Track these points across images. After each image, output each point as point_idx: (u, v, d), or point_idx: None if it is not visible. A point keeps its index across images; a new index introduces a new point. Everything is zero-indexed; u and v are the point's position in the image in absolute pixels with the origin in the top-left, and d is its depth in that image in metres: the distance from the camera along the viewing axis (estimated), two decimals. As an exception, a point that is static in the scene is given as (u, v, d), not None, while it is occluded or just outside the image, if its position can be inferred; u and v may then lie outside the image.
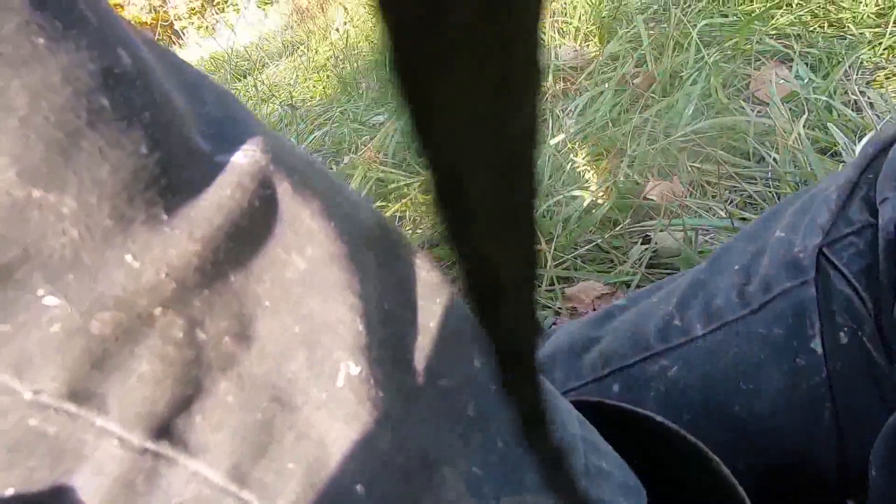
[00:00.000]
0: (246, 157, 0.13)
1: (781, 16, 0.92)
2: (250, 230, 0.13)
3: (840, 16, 0.88)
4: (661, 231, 0.57)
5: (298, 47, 2.02)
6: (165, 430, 0.12)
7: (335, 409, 0.13)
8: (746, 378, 0.25)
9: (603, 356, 0.30)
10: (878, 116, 0.63)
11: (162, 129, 0.12)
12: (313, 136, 1.11)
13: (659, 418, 0.23)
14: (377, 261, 0.15)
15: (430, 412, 0.15)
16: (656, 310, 0.29)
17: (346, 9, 1.71)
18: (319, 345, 0.13)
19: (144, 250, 0.12)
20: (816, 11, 0.90)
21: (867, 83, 0.75)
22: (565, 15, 1.21)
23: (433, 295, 0.16)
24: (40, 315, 0.11)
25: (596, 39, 1.11)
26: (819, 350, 0.24)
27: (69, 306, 0.11)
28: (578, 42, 1.12)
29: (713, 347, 0.26)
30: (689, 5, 1.01)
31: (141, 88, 0.12)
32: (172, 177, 0.12)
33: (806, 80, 0.75)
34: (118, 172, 0.11)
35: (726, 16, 1.00)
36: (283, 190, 0.14)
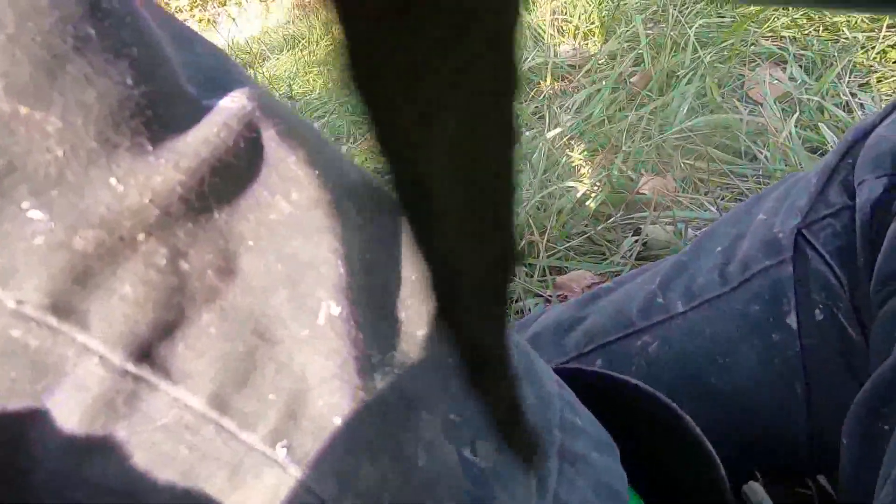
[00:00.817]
0: (233, 102, 0.14)
1: (777, 18, 0.93)
2: (236, 169, 0.13)
3: (835, 19, 0.89)
4: (651, 224, 0.58)
5: (300, 41, 2.03)
6: (147, 354, 0.12)
7: (316, 345, 0.13)
8: (724, 353, 0.26)
9: (587, 334, 0.30)
10: (864, 115, 0.64)
11: (149, 65, 0.12)
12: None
13: (633, 381, 0.24)
14: (361, 213, 0.15)
15: (408, 357, 0.15)
16: (640, 290, 0.30)
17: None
18: (302, 283, 0.13)
19: (128, 175, 0.12)
20: (812, 15, 0.91)
21: (859, 85, 0.76)
22: (565, 14, 1.22)
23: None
24: (24, 227, 0.11)
25: (595, 38, 1.11)
26: (794, 326, 0.24)
27: (53, 221, 0.11)
28: (577, 40, 1.13)
29: (692, 324, 0.27)
30: (687, 6, 1.02)
31: (129, 26, 0.12)
32: (158, 111, 0.12)
33: (799, 82, 0.76)
34: (104, 99, 0.12)
35: (723, 16, 1.01)
36: (269, 136, 0.14)
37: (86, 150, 0.11)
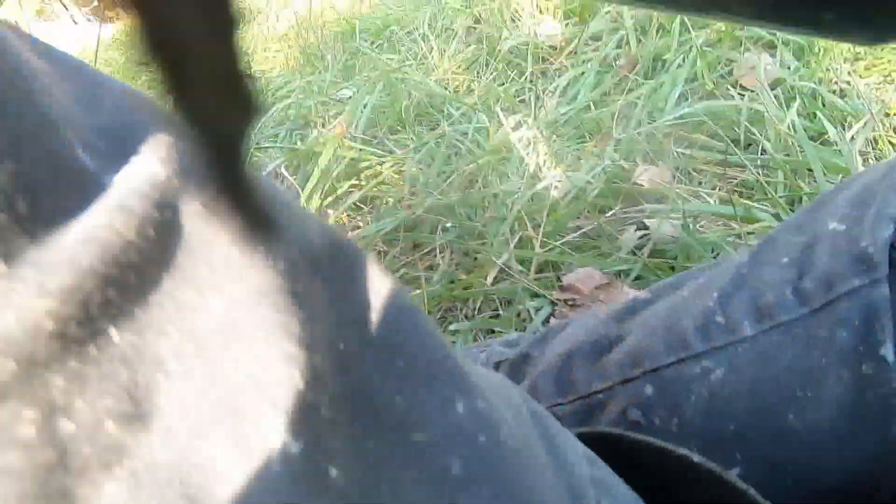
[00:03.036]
0: (138, 174, 0.10)
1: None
2: (142, 269, 0.10)
3: (821, 4, 0.88)
4: (657, 218, 0.54)
5: (256, 15, 1.90)
6: None
7: (269, 501, 0.10)
8: (804, 385, 0.22)
9: (631, 355, 0.26)
10: (864, 105, 0.63)
11: (14, 150, 0.09)
12: (275, 108, 1.04)
13: (696, 457, 0.20)
14: (329, 291, 0.12)
15: (404, 478, 0.12)
16: (690, 304, 0.26)
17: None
18: (245, 415, 0.10)
19: None
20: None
21: (850, 72, 0.75)
22: (544, -8, 1.17)
23: (400, 323, 0.13)
24: None
25: (576, 18, 1.07)
26: (891, 358, 0.21)
27: None
28: (558, 19, 1.09)
29: (765, 350, 0.23)
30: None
31: None
32: (18, 209, 0.09)
33: (792, 68, 0.74)
34: None
35: None
36: (194, 211, 0.10)
37: None
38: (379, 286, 0.13)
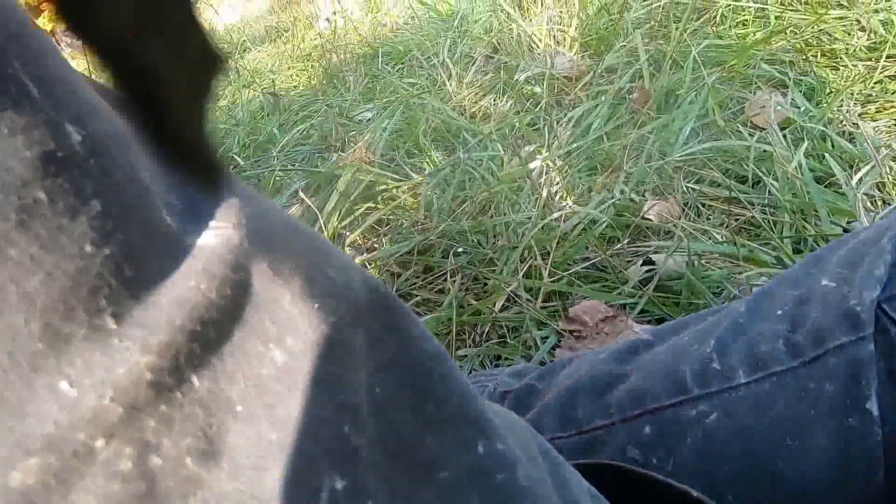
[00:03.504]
0: (216, 238, 0.11)
1: (776, 42, 0.93)
2: (220, 324, 0.11)
3: (833, 46, 0.90)
4: (662, 254, 0.56)
5: (283, 34, 1.96)
6: None
7: None
8: (792, 434, 0.24)
9: (632, 395, 0.28)
10: (874, 150, 0.64)
11: (117, 216, 0.10)
12: (297, 128, 1.07)
13: (695, 493, 0.21)
14: (368, 339, 0.13)
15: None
16: (690, 350, 0.28)
17: (337, -1, 1.66)
18: (299, 454, 0.11)
19: (84, 373, 0.10)
20: (810, 41, 0.92)
21: (859, 115, 0.76)
22: (561, 24, 1.20)
23: (430, 369, 0.15)
24: None
25: (592, 51, 1.10)
26: (875, 412, 0.22)
27: None
28: (574, 52, 1.11)
29: (758, 398, 0.24)
30: (686, 25, 1.01)
31: (94, 170, 0.10)
32: (127, 274, 0.10)
33: (803, 108, 0.76)
34: (53, 281, 0.09)
35: (721, 38, 1.01)
36: (260, 272, 0.12)
37: (28, 354, 0.09)
38: (412, 332, 0.15)
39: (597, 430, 0.28)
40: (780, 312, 0.26)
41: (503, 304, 0.59)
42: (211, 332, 0.11)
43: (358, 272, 0.14)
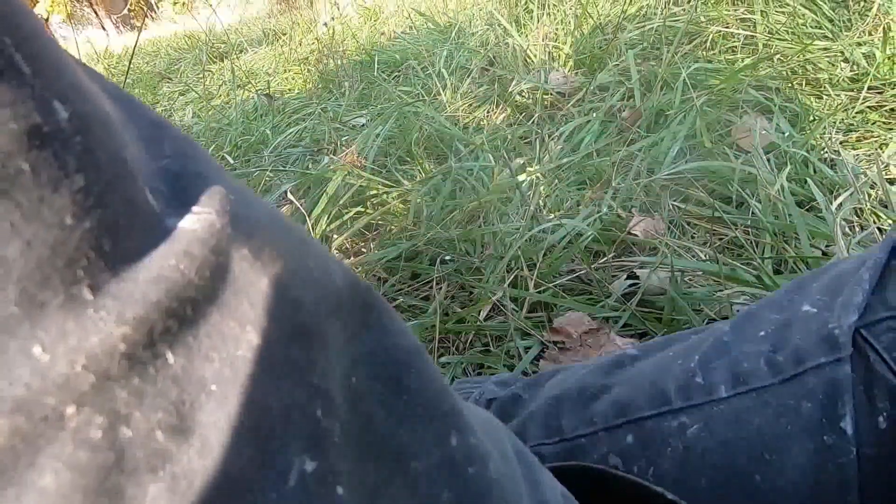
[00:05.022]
0: (199, 222, 0.12)
1: (763, 68, 0.95)
2: (197, 304, 0.11)
3: (817, 76, 0.92)
4: (646, 269, 0.56)
5: (280, 37, 1.96)
6: None
7: None
8: (770, 449, 0.24)
9: (616, 405, 0.28)
10: (854, 177, 0.66)
11: (99, 193, 0.11)
12: (291, 130, 1.07)
13: (670, 495, 0.21)
14: (346, 331, 0.14)
15: (400, 502, 0.13)
16: (674, 365, 0.28)
17: (336, 4, 1.67)
18: (271, 436, 0.12)
19: (58, 340, 0.10)
20: (796, 69, 0.94)
21: (840, 143, 0.78)
22: (556, 40, 1.22)
23: (406, 363, 0.15)
24: None
25: (585, 69, 1.12)
26: (849, 431, 0.23)
27: None
28: (568, 68, 1.13)
29: (738, 412, 0.25)
30: (677, 48, 1.03)
31: (78, 147, 0.10)
32: (105, 248, 0.10)
33: (787, 134, 0.78)
34: (31, 250, 0.10)
35: (710, 62, 1.03)
36: (241, 256, 0.12)
37: (3, 318, 0.09)
38: (390, 327, 0.15)
39: (580, 437, 0.28)
40: (762, 334, 0.27)
41: (488, 314, 0.60)
42: (188, 311, 0.11)
43: (338, 266, 0.15)
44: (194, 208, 0.12)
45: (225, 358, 0.11)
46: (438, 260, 0.67)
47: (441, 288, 0.64)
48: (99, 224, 0.10)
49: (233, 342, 0.11)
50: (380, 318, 0.15)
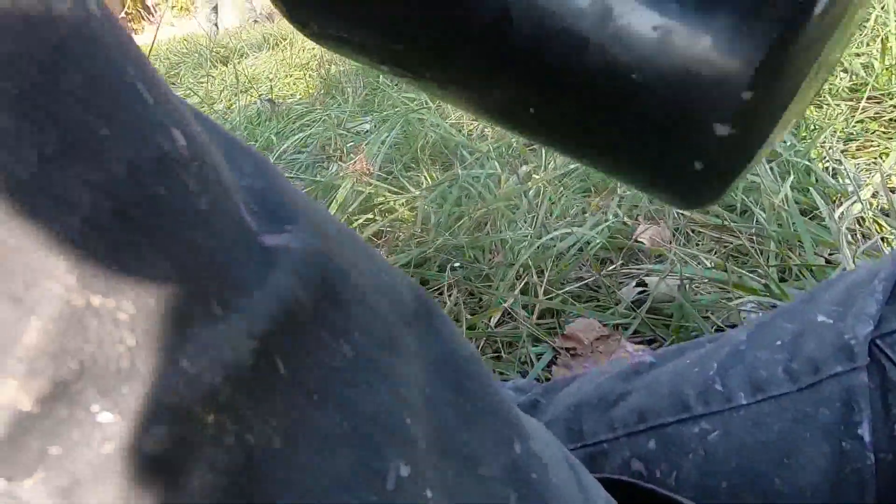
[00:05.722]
0: (296, 240, 0.12)
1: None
2: (302, 318, 0.12)
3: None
4: (654, 277, 0.57)
5: (281, 41, 1.97)
6: None
7: None
8: (789, 453, 0.25)
9: (637, 411, 0.29)
10: (857, 186, 0.67)
11: (216, 214, 0.11)
12: (296, 136, 1.08)
13: None
14: (417, 340, 0.15)
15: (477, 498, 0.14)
16: (692, 372, 0.29)
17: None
18: (368, 441, 0.12)
19: (201, 353, 0.11)
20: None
21: (841, 151, 0.80)
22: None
23: (467, 370, 0.16)
24: (93, 433, 0.10)
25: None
26: (866, 437, 0.24)
27: (123, 422, 0.10)
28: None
29: (757, 418, 0.26)
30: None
31: (195, 172, 0.11)
32: (228, 266, 0.11)
33: (788, 143, 0.79)
34: (177, 268, 0.10)
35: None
36: (333, 271, 0.13)
37: (158, 332, 0.10)
38: (450, 335, 0.16)
39: (602, 443, 0.29)
40: (778, 343, 0.28)
41: (498, 320, 0.61)
42: (297, 325, 0.12)
43: (403, 277, 0.16)
44: (287, 227, 0.12)
45: (322, 368, 0.12)
46: (448, 267, 0.68)
47: (451, 294, 0.65)
48: (219, 244, 0.11)
49: (329, 353, 0.12)
50: (441, 326, 0.16)
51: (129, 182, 0.10)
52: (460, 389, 0.15)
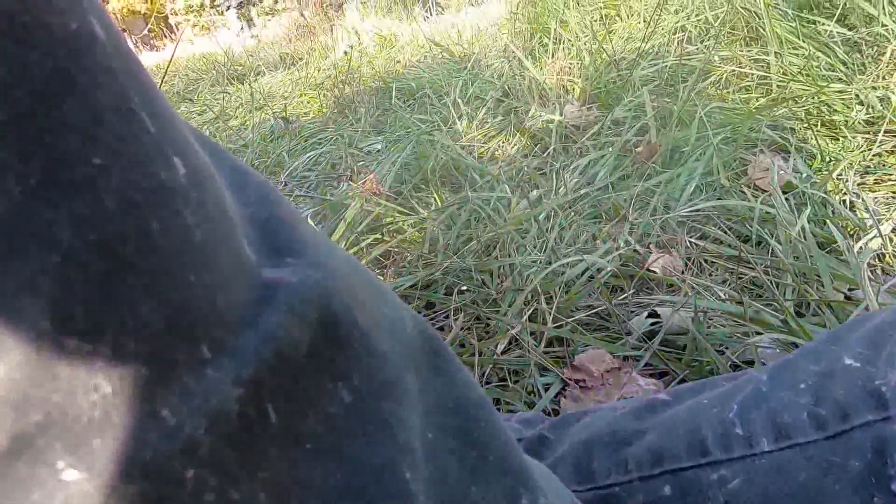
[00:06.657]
0: (295, 275, 0.12)
1: (779, 109, 0.96)
2: (297, 360, 0.11)
3: (833, 118, 0.93)
4: (667, 308, 0.56)
5: (297, 61, 2.00)
6: None
7: None
8: None
9: (651, 453, 0.27)
10: (877, 220, 0.65)
11: (213, 248, 0.11)
12: (307, 154, 1.08)
13: None
14: (419, 380, 0.14)
15: None
16: (711, 412, 0.27)
17: (357, 33, 1.71)
18: (364, 495, 0.11)
19: (183, 402, 0.10)
20: (812, 110, 0.95)
21: (858, 184, 0.79)
22: (571, 74, 1.24)
23: (475, 417, 0.15)
24: (55, 493, 0.09)
25: (600, 103, 1.13)
26: None
27: (91, 480, 0.09)
28: (582, 102, 1.15)
29: (781, 466, 0.24)
30: (694, 86, 1.05)
31: (194, 203, 0.11)
32: (220, 304, 0.10)
33: (804, 175, 0.78)
34: (162, 308, 0.10)
35: (725, 101, 1.04)
36: (334, 309, 0.12)
37: (135, 378, 0.09)
38: (457, 377, 0.15)
39: (614, 486, 0.28)
40: (802, 386, 0.26)
41: (505, 347, 0.59)
42: (289, 368, 0.11)
43: (407, 311, 0.15)
44: (288, 259, 0.12)
45: (318, 414, 0.11)
46: (455, 290, 0.67)
47: (458, 318, 0.64)
48: (213, 280, 0.10)
49: (326, 398, 0.11)
50: (448, 367, 0.15)
51: (118, 215, 0.09)
52: (467, 438, 0.14)
